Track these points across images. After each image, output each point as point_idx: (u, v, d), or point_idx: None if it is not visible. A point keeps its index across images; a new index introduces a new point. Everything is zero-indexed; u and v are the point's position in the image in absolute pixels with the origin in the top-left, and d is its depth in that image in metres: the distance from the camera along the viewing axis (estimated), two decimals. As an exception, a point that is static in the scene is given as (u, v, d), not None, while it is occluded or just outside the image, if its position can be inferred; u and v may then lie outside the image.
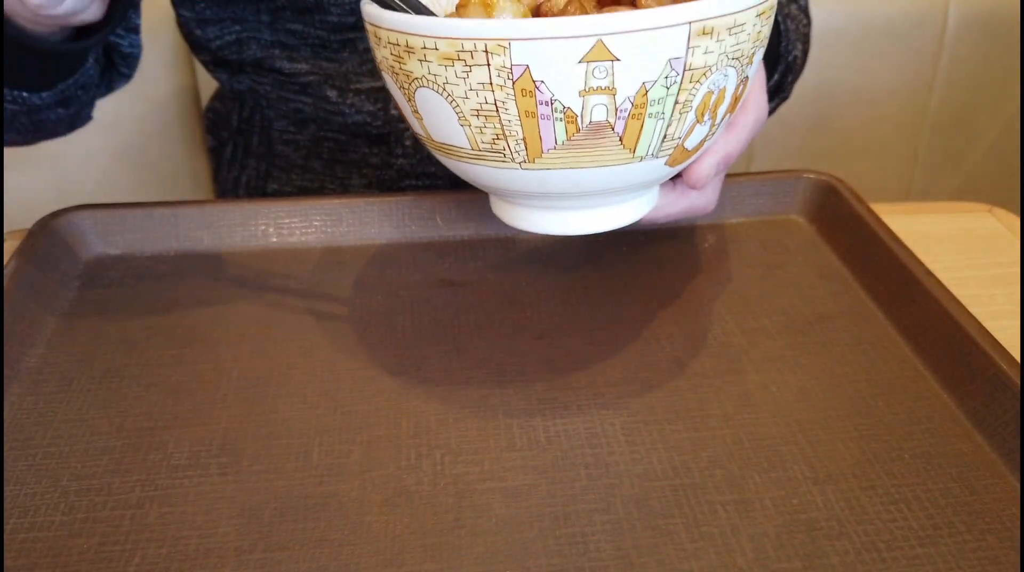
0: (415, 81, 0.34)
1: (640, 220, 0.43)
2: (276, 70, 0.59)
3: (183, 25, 0.60)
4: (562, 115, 0.33)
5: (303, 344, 0.42)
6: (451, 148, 0.37)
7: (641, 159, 0.35)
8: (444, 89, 0.34)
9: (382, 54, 0.35)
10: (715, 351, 0.42)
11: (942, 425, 0.37)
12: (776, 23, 0.56)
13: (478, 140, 0.35)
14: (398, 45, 0.34)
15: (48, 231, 0.48)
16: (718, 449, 0.36)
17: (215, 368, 0.41)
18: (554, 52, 0.31)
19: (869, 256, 0.47)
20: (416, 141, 0.60)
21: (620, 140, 0.34)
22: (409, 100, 0.36)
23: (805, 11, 0.60)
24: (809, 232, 0.52)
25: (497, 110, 0.33)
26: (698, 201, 0.45)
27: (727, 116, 0.37)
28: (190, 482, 0.34)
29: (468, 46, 0.32)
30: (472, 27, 0.32)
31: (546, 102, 0.33)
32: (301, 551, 0.31)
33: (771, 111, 0.61)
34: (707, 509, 0.33)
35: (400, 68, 0.35)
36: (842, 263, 0.48)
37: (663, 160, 0.36)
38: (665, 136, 0.35)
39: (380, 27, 0.34)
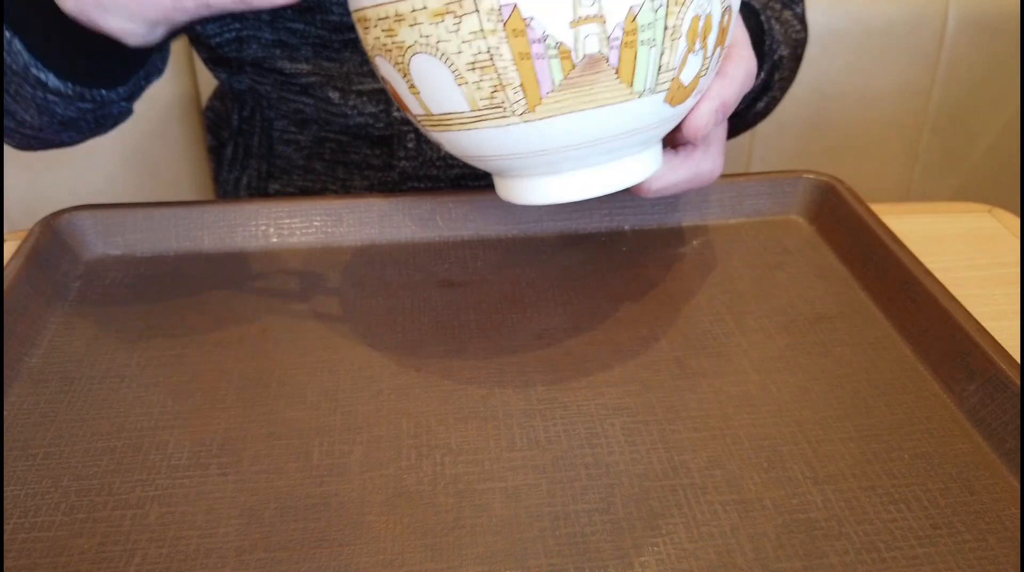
0: (408, 50, 0.35)
1: (648, 186, 0.43)
2: (277, 70, 0.59)
3: None
4: (556, 51, 0.33)
5: (303, 344, 0.42)
6: (451, 117, 0.37)
7: (640, 95, 0.35)
8: (437, 48, 0.34)
9: (373, 35, 0.36)
10: (715, 351, 0.42)
11: (942, 425, 0.37)
12: (760, 23, 0.56)
13: (476, 98, 0.35)
14: (387, 18, 0.34)
15: (48, 231, 0.48)
16: (718, 449, 0.36)
17: (215, 368, 0.41)
18: None
19: (869, 256, 0.47)
20: (419, 143, 0.60)
21: (616, 73, 0.34)
22: (405, 75, 0.36)
23: (801, 19, 0.60)
24: (809, 232, 0.52)
25: (492, 58, 0.34)
26: (703, 165, 0.45)
27: (718, 49, 0.37)
28: (190, 482, 0.34)
29: None
30: None
31: (538, 39, 0.33)
32: (301, 551, 0.32)
33: (763, 111, 0.62)
34: (707, 509, 0.33)
35: (392, 43, 0.35)
36: (842, 263, 0.48)
37: (662, 95, 0.36)
38: (660, 66, 0.35)
39: (368, 7, 0.35)
